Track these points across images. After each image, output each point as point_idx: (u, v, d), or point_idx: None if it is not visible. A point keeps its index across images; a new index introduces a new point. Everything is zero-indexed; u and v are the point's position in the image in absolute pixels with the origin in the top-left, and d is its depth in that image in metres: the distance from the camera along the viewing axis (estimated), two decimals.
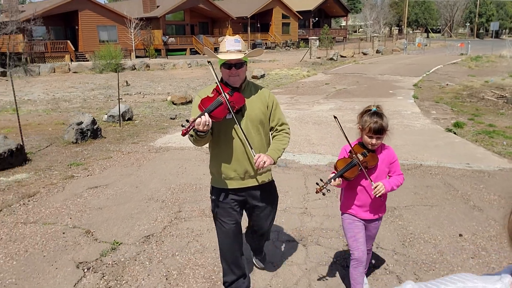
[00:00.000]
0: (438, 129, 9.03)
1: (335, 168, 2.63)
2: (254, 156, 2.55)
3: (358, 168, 2.60)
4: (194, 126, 2.36)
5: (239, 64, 2.56)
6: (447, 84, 17.25)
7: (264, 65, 27.04)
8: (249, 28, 47.18)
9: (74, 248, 3.53)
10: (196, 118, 2.35)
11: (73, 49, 32.95)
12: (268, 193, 2.85)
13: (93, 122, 8.34)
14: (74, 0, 32.77)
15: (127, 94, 16.56)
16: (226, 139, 2.66)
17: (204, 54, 36.59)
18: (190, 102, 12.93)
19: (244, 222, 2.97)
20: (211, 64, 2.64)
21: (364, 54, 36.00)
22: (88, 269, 3.19)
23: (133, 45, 34.72)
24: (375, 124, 2.58)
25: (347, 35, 63.32)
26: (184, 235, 3.77)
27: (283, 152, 2.74)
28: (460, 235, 3.77)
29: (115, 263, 3.25)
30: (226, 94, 2.53)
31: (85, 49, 33.58)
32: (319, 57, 31.95)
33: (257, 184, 2.76)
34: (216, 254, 3.13)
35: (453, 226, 3.96)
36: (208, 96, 2.59)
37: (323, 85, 17.27)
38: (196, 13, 42.47)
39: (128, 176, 5.66)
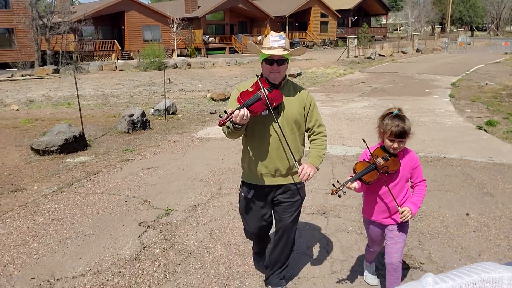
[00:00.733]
0: (469, 127, 9.19)
1: (354, 170, 2.59)
2: (298, 168, 2.58)
3: (377, 172, 2.54)
4: (231, 118, 2.39)
5: (281, 61, 2.58)
6: (486, 84, 16.92)
7: (301, 63, 27.50)
8: (287, 27, 47.66)
9: (135, 212, 4.32)
10: (235, 110, 2.39)
11: (119, 48, 34.69)
12: (296, 192, 2.83)
13: (143, 114, 9.22)
14: (122, 1, 34.50)
15: (170, 90, 17.54)
16: (261, 135, 2.67)
17: (246, 48, 37.42)
18: (229, 98, 13.71)
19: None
20: (259, 77, 2.67)
21: (404, 53, 35.61)
22: (148, 226, 3.96)
23: (175, 44, 36.06)
24: (397, 128, 2.51)
25: (387, 34, 62.42)
26: (224, 206, 4.47)
27: (323, 157, 2.76)
28: (467, 214, 4.24)
29: (169, 223, 4.01)
30: (265, 89, 2.56)
31: (131, 48, 35.25)
32: (357, 56, 31.97)
33: (288, 183, 2.77)
34: None
35: (462, 207, 4.42)
36: (247, 90, 2.63)
37: (359, 83, 17.45)
38: (235, 13, 43.43)
39: (175, 160, 6.43)
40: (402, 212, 2.53)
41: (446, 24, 66.86)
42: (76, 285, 3.00)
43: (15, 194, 4.98)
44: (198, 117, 11.08)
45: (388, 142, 2.57)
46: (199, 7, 41.18)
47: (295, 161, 2.64)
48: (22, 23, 27.96)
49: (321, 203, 4.54)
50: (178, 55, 37.16)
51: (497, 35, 72.72)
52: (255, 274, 3.20)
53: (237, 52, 41.20)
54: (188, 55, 37.15)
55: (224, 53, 40.98)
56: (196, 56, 36.94)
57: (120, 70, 27.05)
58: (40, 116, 11.74)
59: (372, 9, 59.01)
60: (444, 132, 8.57)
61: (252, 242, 3.23)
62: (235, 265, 3.30)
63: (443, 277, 0.66)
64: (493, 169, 5.94)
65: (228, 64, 29.36)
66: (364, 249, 3.39)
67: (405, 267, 3.21)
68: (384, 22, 71.87)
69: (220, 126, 2.46)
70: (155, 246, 3.59)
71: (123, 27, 35.89)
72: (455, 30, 57.04)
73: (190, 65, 28.33)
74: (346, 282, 3.08)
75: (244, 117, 2.38)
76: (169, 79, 20.80)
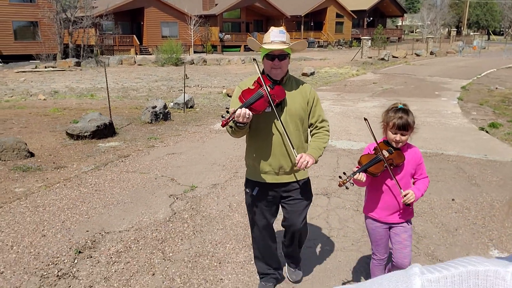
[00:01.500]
0: (472, 128, 9.64)
1: (359, 163, 2.59)
2: (296, 156, 2.54)
3: (383, 164, 2.52)
4: (234, 118, 2.37)
5: (282, 56, 2.55)
6: (496, 88, 17.06)
7: (315, 63, 28.02)
8: (302, 27, 48.14)
9: (164, 187, 5.03)
10: (236, 110, 2.37)
11: (138, 43, 35.62)
12: (302, 190, 2.81)
13: (165, 106, 9.95)
14: None
15: (187, 86, 18.24)
16: (264, 132, 2.65)
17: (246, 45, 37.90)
18: None
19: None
20: (255, 61, 2.72)
21: (417, 55, 35.83)
22: (177, 198, 4.67)
23: (192, 41, 36.86)
24: (399, 120, 2.50)
25: (402, 36, 62.43)
26: (240, 185, 5.13)
27: (324, 150, 2.74)
28: (453, 199, 4.84)
29: (194, 197, 4.71)
30: (267, 86, 2.54)
31: (149, 44, 36.15)
32: (370, 57, 32.32)
33: (292, 180, 2.76)
34: None
35: (449, 194, 5.02)
36: (249, 88, 2.61)
37: (371, 84, 17.84)
38: (251, 11, 44.09)
39: (196, 148, 7.12)
40: (406, 195, 2.48)
41: (462, 28, 66.52)
42: (123, 237, 3.73)
43: (58, 170, 5.72)
44: (214, 111, 11.75)
45: (390, 135, 2.56)
46: (216, 4, 41.91)
47: (297, 157, 2.58)
48: (46, 16, 28.98)
49: (325, 187, 5.18)
50: (195, 52, 37.94)
51: None
52: None
53: (252, 50, 41.77)
54: (204, 52, 37.93)
55: (240, 51, 41.67)
56: (212, 53, 37.70)
57: (139, 64, 27.89)
58: (67, 106, 12.53)
59: (388, 10, 59.08)
60: (447, 132, 9.06)
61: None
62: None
63: (430, 269, 0.67)
64: (486, 164, 6.49)
65: (243, 62, 30.03)
66: (358, 223, 4.01)
67: None
68: (400, 23, 71.80)
69: (223, 127, 2.45)
70: (183, 213, 4.29)
71: (142, 23, 36.80)
72: (471, 33, 56.67)
73: (206, 62, 29.06)
74: (341, 243, 3.72)
75: (246, 116, 2.37)
76: (186, 75, 21.57)
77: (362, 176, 2.46)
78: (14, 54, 29.26)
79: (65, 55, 29.68)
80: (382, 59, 30.65)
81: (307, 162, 2.52)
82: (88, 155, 6.58)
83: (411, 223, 2.75)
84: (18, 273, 3.07)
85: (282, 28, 2.62)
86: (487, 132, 9.15)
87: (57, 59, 28.06)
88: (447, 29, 71.20)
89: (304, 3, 48.63)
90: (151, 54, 33.21)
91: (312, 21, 50.36)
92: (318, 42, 48.54)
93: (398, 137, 2.54)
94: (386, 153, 2.56)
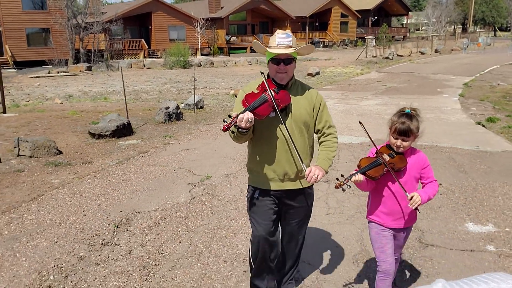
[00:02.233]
0: (470, 122, 10.01)
1: (358, 166, 2.57)
2: (305, 170, 2.47)
3: (383, 168, 2.49)
4: (236, 122, 2.31)
5: (288, 60, 2.49)
6: (498, 84, 17.13)
7: (320, 63, 28.57)
8: (307, 27, 48.71)
9: (183, 177, 5.66)
10: (239, 114, 2.31)
11: (146, 47, 36.46)
12: (306, 198, 2.75)
13: (177, 107, 10.59)
14: (149, 3, 36.26)
15: (196, 88, 18.94)
16: (268, 138, 2.59)
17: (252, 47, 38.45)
18: None
19: None
20: (263, 74, 2.60)
21: (422, 53, 36.16)
22: (194, 185, 5.31)
23: (199, 43, 37.60)
24: (401, 125, 2.49)
25: (408, 34, 62.67)
26: None
27: (333, 160, 2.68)
28: (440, 184, 5.39)
29: (210, 184, 5.34)
30: (272, 91, 2.48)
31: (157, 47, 36.97)
32: (375, 56, 32.74)
33: (297, 188, 2.69)
34: None
35: (438, 180, 5.56)
36: (253, 91, 2.55)
37: (375, 82, 18.18)
38: (257, 13, 44.76)
39: (208, 144, 7.75)
40: (412, 198, 2.43)
41: (468, 25, 66.54)
42: (152, 215, 4.37)
43: (86, 165, 6.38)
44: (223, 111, 12.36)
45: (392, 139, 2.55)
46: (222, 7, 42.65)
47: (302, 163, 2.53)
48: (58, 23, 29.89)
49: (326, 175, 5.77)
50: (202, 54, 38.67)
51: None
52: None
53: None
54: (211, 54, 38.65)
55: (246, 52, 42.33)
56: (219, 55, 38.41)
57: (148, 68, 28.63)
58: (84, 109, 13.22)
59: (393, 9, 59.41)
60: (445, 126, 9.51)
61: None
62: None
63: (454, 284, 0.66)
64: (476, 155, 7.01)
65: (250, 63, 30.64)
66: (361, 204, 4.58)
67: None
68: (405, 22, 72.05)
69: (224, 132, 2.36)
70: (201, 197, 4.92)
71: (150, 27, 37.64)
72: (478, 30, 56.75)
73: (213, 64, 29.74)
74: (337, 218, 4.31)
75: (249, 121, 2.31)
76: (194, 77, 22.24)
77: (359, 177, 2.45)
78: (27, 60, 30.19)
79: (77, 60, 30.56)
80: (387, 57, 31.06)
81: (317, 176, 2.44)
82: (111, 151, 7.23)
83: (411, 228, 2.76)
84: (69, 242, 3.72)
85: (289, 31, 2.57)
86: (483, 126, 9.51)
87: (69, 64, 28.93)
88: (453, 27, 71.24)
89: (308, 4, 49.22)
90: (159, 57, 33.99)
91: (317, 22, 50.90)
92: (323, 42, 49.06)
93: (399, 142, 2.51)
94: (387, 157, 2.53)
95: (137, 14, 36.60)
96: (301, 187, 2.69)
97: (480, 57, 31.00)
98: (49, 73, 25.86)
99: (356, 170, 2.52)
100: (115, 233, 3.89)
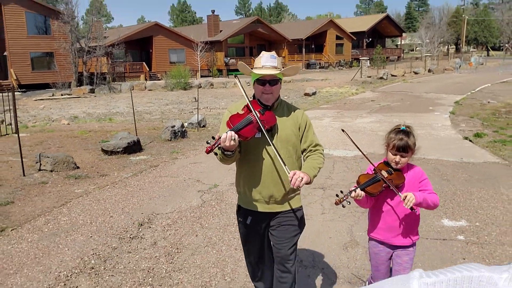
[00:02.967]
0: (458, 138, 10.56)
1: (357, 182, 2.60)
2: (289, 173, 2.40)
3: (382, 184, 2.54)
4: (219, 144, 2.29)
5: (273, 81, 2.51)
6: (488, 102, 17.60)
7: (317, 83, 29.45)
8: (303, 49, 50.01)
9: (193, 186, 6.29)
10: (222, 136, 2.28)
11: (147, 69, 37.44)
12: (294, 218, 2.70)
13: (182, 126, 11.27)
14: (151, 27, 37.47)
15: (196, 108, 19.68)
16: (254, 159, 2.57)
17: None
18: None
19: None
20: (238, 78, 2.65)
21: (416, 73, 37.04)
22: (204, 192, 5.94)
23: (199, 66, 38.63)
24: (399, 141, 2.55)
25: (402, 54, 64.14)
26: None
27: (319, 171, 2.62)
28: None
29: (218, 191, 5.97)
30: (257, 112, 2.47)
31: (158, 70, 37.96)
32: (370, 76, 33.59)
33: (284, 210, 2.66)
34: None
35: None
36: (238, 113, 2.54)
37: (369, 101, 18.77)
38: (254, 37, 46.06)
39: (213, 158, 8.24)
40: (405, 197, 2.43)
41: (461, 45, 68.15)
42: (170, 216, 5.00)
43: (103, 177, 7.00)
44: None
45: (390, 156, 2.60)
46: (221, 31, 43.92)
47: (286, 169, 2.46)
48: (62, 47, 30.87)
49: (322, 183, 6.40)
50: (201, 76, 39.64)
51: None
52: None
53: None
54: (210, 76, 39.65)
55: (244, 74, 43.29)
56: (218, 77, 39.39)
57: (149, 90, 29.43)
58: (91, 129, 13.88)
59: (387, 31, 61.04)
60: (434, 141, 10.09)
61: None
62: None
63: (430, 274, 0.69)
64: (459, 166, 7.64)
65: (248, 84, 30.84)
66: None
67: None
68: (399, 42, 73.75)
69: (207, 153, 2.33)
70: (211, 201, 5.55)
71: (151, 50, 38.71)
72: (471, 50, 58.18)
73: (213, 85, 30.59)
74: (331, 217, 4.91)
75: (233, 138, 2.27)
76: (195, 98, 23.01)
77: (359, 192, 2.49)
78: (32, 83, 31.03)
79: (80, 83, 31.41)
80: (381, 78, 31.86)
81: (301, 178, 2.37)
82: (124, 166, 7.86)
83: (415, 246, 2.74)
84: (102, 236, 4.33)
85: (273, 53, 2.58)
86: (470, 140, 10.08)
87: (72, 87, 29.75)
88: (446, 47, 72.88)
89: (305, 27, 50.73)
90: (160, 80, 34.88)
91: (313, 44, 52.29)
92: (319, 63, 50.30)
93: (398, 158, 2.57)
94: (385, 174, 2.57)
95: (139, 38, 37.72)
96: (287, 209, 2.66)
97: (472, 76, 31.76)
98: (53, 95, 26.62)
99: (355, 186, 2.55)
100: (140, 230, 4.51)
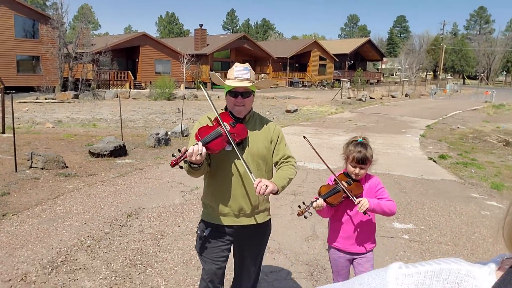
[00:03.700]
0: (423, 158, 11.43)
1: (318, 193, 2.66)
2: (254, 181, 2.34)
3: (342, 194, 2.62)
4: (186, 157, 2.23)
5: (246, 93, 2.47)
6: (458, 127, 18.48)
7: (298, 101, 30.35)
8: (287, 68, 51.27)
9: (176, 187, 6.87)
10: (188, 149, 2.23)
11: (133, 78, 37.83)
12: (261, 234, 2.71)
13: (166, 134, 11.83)
14: (139, 37, 38.03)
15: (180, 119, 20.19)
16: (223, 172, 2.52)
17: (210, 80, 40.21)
18: None
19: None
20: (203, 87, 2.58)
21: (393, 97, 38.27)
22: (186, 193, 6.53)
23: (184, 77, 39.24)
24: (358, 154, 2.64)
25: (382, 78, 66.15)
26: None
27: (289, 182, 2.57)
28: None
29: (198, 193, 6.55)
30: (227, 125, 2.43)
31: (143, 79, 38.39)
32: (349, 97, 34.64)
33: (252, 223, 2.62)
34: None
35: None
36: (207, 125, 2.50)
37: (347, 121, 19.57)
38: (240, 52, 47.05)
39: None
40: (359, 202, 2.52)
41: (438, 72, 70.73)
42: (155, 210, 5.58)
43: (92, 176, 7.51)
44: None
45: (350, 168, 2.70)
46: (207, 45, 44.76)
47: (254, 180, 2.38)
48: (49, 52, 31.09)
49: (293, 190, 7.06)
50: (186, 88, 40.17)
51: (487, 84, 76.21)
52: None
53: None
54: (195, 88, 40.25)
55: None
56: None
57: (133, 98, 29.74)
58: (76, 133, 14.28)
59: (368, 54, 63.05)
60: (401, 160, 10.92)
61: None
62: None
63: (409, 265, 0.70)
64: (419, 181, 8.41)
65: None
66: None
67: None
68: (380, 67, 76.04)
69: (172, 167, 2.25)
70: (192, 200, 6.14)
71: (137, 60, 39.18)
72: (447, 77, 60.56)
73: (197, 97, 31.16)
74: (297, 217, 5.56)
75: (199, 153, 2.20)
76: (178, 109, 23.51)
77: (321, 202, 2.55)
78: (16, 86, 31.04)
79: (64, 88, 31.54)
80: (360, 99, 32.92)
81: (266, 186, 2.31)
82: (110, 167, 8.37)
83: (372, 252, 2.85)
84: (95, 223, 4.89)
85: (247, 65, 2.54)
86: (434, 161, 10.91)
87: (56, 92, 29.86)
88: (425, 73, 75.40)
89: (290, 46, 52.10)
90: (144, 89, 35.26)
91: (297, 63, 53.68)
92: (302, 82, 51.57)
93: (357, 170, 2.67)
94: (345, 184, 2.66)
95: (126, 47, 38.17)
96: (256, 223, 2.63)
97: (446, 102, 33.08)
98: (37, 99, 26.74)
99: (316, 198, 2.62)
100: (128, 220, 5.08)
